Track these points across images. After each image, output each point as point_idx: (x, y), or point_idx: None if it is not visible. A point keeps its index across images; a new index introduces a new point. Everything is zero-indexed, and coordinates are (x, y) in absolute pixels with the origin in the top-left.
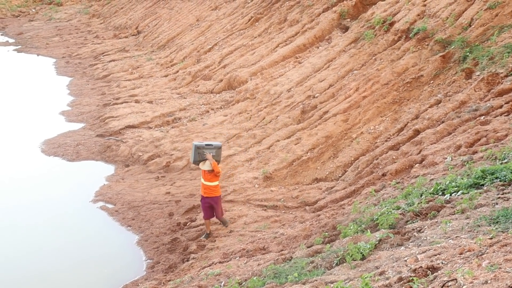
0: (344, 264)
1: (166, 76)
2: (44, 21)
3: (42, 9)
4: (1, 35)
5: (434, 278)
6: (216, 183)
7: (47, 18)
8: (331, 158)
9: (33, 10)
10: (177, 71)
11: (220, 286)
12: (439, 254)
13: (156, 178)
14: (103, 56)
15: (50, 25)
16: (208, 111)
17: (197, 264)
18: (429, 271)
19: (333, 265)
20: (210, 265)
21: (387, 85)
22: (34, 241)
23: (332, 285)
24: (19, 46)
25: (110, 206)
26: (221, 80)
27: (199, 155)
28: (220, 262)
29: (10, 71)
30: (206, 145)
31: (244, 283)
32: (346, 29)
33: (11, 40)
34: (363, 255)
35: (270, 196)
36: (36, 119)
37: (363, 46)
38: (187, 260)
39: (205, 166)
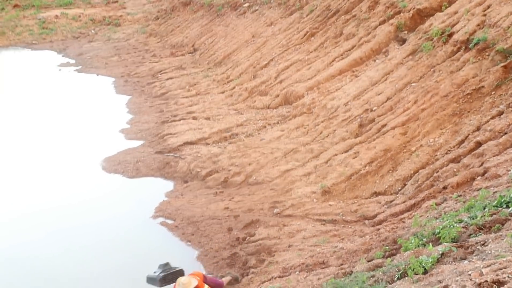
0: (406, 278)
1: (222, 92)
2: (103, 41)
3: (101, 30)
4: (62, 56)
5: None
6: None
7: (106, 39)
8: (390, 171)
9: (93, 31)
10: (234, 87)
11: None
12: (505, 268)
13: (214, 194)
14: (160, 74)
15: (108, 45)
16: (265, 126)
17: (257, 279)
18: (495, 286)
19: (395, 279)
20: (269, 280)
21: (447, 97)
22: (97, 259)
23: None
24: (80, 67)
25: (170, 221)
26: (278, 95)
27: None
28: (279, 277)
29: (72, 91)
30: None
31: None
32: (403, 41)
33: (71, 61)
34: (425, 269)
35: (329, 211)
36: (97, 137)
37: (421, 58)
38: (247, 275)
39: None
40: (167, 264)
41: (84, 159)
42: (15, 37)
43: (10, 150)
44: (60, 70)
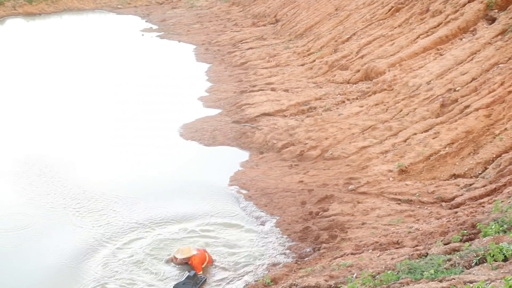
0: (485, 264)
1: (302, 65)
2: (186, 8)
3: None
4: (146, 21)
5: None
6: None
7: (189, 6)
8: (471, 154)
9: None
10: (314, 60)
11: (353, 277)
12: None
13: (289, 166)
14: (241, 43)
15: (191, 12)
16: (343, 102)
17: (329, 254)
18: None
19: (472, 264)
20: (341, 256)
21: None
22: (175, 226)
23: (471, 285)
24: (162, 33)
25: (244, 191)
26: (358, 71)
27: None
28: (352, 254)
29: (153, 57)
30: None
31: (377, 276)
32: (493, 20)
33: (154, 27)
34: (505, 256)
35: (405, 190)
36: (176, 103)
37: (511, 39)
38: (318, 250)
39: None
40: (194, 275)
41: (163, 124)
42: (101, 1)
43: (93, 113)
44: (143, 35)
